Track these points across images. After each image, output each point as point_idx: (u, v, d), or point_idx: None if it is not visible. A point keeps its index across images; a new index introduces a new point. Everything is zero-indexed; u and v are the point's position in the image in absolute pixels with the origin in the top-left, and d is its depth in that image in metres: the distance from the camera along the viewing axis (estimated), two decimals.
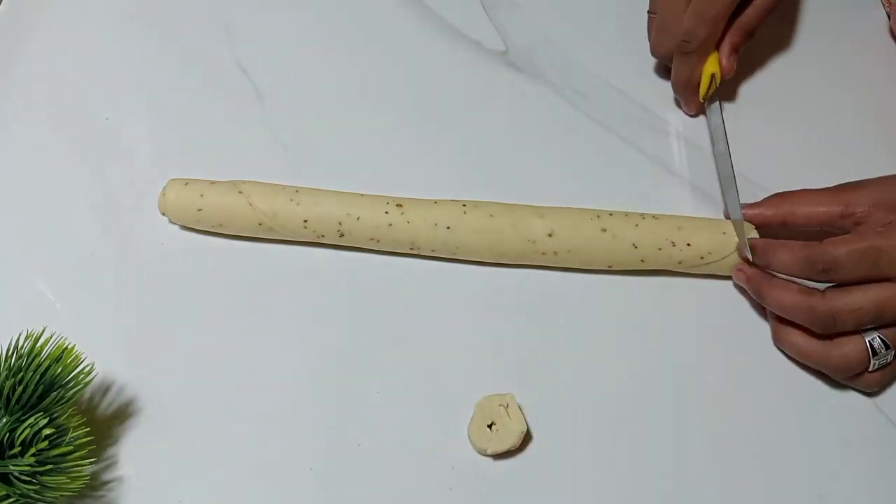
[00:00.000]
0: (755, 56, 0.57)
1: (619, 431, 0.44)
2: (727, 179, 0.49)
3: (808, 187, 0.46)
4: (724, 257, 0.46)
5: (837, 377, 0.44)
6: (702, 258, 0.46)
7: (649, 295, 0.48)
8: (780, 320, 0.45)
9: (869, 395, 0.45)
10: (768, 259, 0.44)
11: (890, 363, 0.43)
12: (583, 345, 0.47)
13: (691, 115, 0.55)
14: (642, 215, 0.47)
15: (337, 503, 0.42)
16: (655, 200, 0.51)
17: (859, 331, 0.42)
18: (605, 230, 0.47)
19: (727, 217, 0.48)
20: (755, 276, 0.45)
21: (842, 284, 0.42)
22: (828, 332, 0.42)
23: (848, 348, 0.42)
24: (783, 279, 0.44)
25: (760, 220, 0.46)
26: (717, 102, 0.53)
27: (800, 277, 0.43)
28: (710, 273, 0.48)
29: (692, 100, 0.54)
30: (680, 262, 0.47)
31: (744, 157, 0.53)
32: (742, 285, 0.46)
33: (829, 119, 0.55)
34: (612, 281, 0.49)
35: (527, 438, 0.44)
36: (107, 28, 0.59)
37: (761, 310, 0.48)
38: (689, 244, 0.46)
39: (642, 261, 0.47)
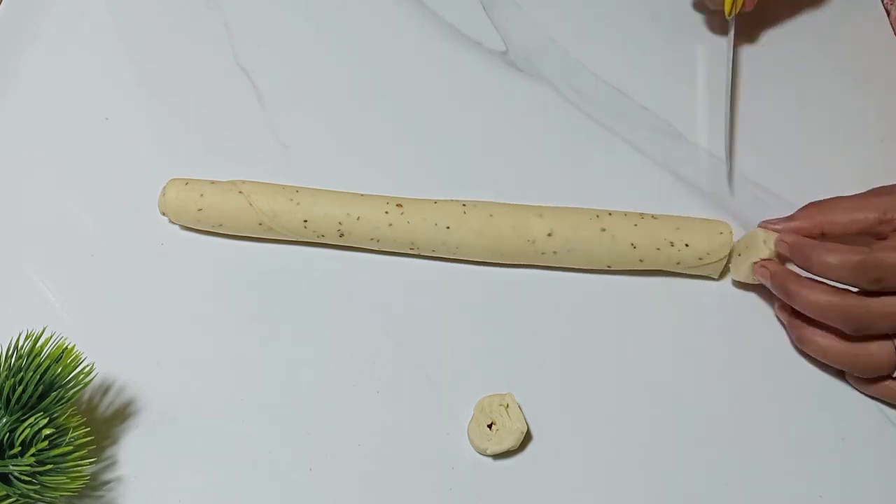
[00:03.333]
0: (751, 54, 0.57)
1: (619, 431, 0.44)
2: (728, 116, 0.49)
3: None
4: (721, 258, 0.47)
5: (864, 377, 0.44)
6: (700, 259, 0.46)
7: (649, 295, 0.48)
8: (804, 320, 0.44)
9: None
10: (811, 261, 0.42)
11: None
12: (582, 345, 0.47)
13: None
14: (641, 215, 0.47)
15: (337, 503, 0.42)
16: (655, 200, 0.50)
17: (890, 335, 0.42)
18: (604, 230, 0.47)
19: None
20: (781, 273, 0.44)
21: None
22: (860, 333, 0.42)
23: (873, 348, 0.42)
24: (813, 278, 0.43)
25: (799, 234, 0.44)
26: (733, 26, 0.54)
27: (845, 283, 0.41)
28: (708, 274, 0.48)
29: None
30: (678, 263, 0.47)
31: (749, 162, 0.53)
32: (764, 282, 0.45)
33: (828, 117, 0.55)
34: (612, 281, 0.49)
35: (527, 438, 0.44)
36: (107, 28, 0.59)
37: (762, 311, 0.48)
38: (687, 245, 0.46)
39: (641, 260, 0.47)
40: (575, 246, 0.47)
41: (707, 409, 0.45)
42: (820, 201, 0.45)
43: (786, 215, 0.46)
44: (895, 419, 0.45)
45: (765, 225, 0.46)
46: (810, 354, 0.45)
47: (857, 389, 0.45)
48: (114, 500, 0.42)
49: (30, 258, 0.49)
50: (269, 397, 0.45)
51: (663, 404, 0.45)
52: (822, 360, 0.44)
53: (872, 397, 0.45)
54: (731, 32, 0.55)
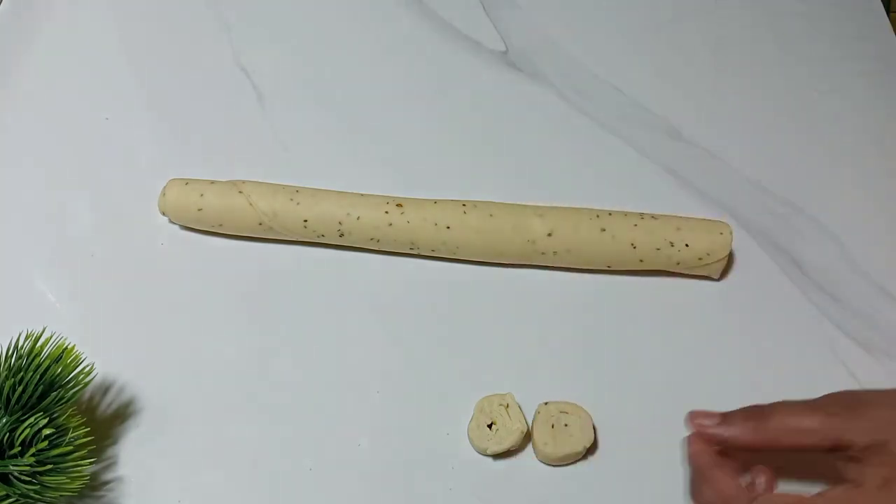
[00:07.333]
0: (747, 53, 0.57)
1: (619, 431, 0.44)
2: None
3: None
4: (721, 258, 0.47)
5: None
6: (700, 259, 0.47)
7: (649, 294, 0.48)
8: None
9: None
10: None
11: None
12: (583, 345, 0.47)
13: None
14: (641, 215, 0.47)
15: (337, 503, 0.42)
16: (655, 200, 0.50)
17: None
18: (604, 230, 0.47)
19: None
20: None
21: None
22: None
23: None
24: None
25: (738, 444, 0.38)
26: None
27: None
28: (708, 274, 0.48)
29: None
30: (678, 263, 0.47)
31: (757, 162, 0.53)
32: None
33: (827, 115, 0.55)
34: (612, 280, 0.49)
35: (527, 438, 0.44)
36: (107, 28, 0.59)
37: (762, 311, 0.48)
38: (687, 245, 0.46)
39: (641, 261, 0.47)
40: (574, 246, 0.47)
41: (707, 408, 0.45)
42: (762, 408, 0.38)
43: (719, 413, 0.39)
44: None
45: (695, 423, 0.39)
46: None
47: None
48: (114, 500, 0.42)
49: (30, 258, 0.49)
50: (269, 397, 0.45)
51: (662, 404, 0.45)
52: None
53: None
54: None
